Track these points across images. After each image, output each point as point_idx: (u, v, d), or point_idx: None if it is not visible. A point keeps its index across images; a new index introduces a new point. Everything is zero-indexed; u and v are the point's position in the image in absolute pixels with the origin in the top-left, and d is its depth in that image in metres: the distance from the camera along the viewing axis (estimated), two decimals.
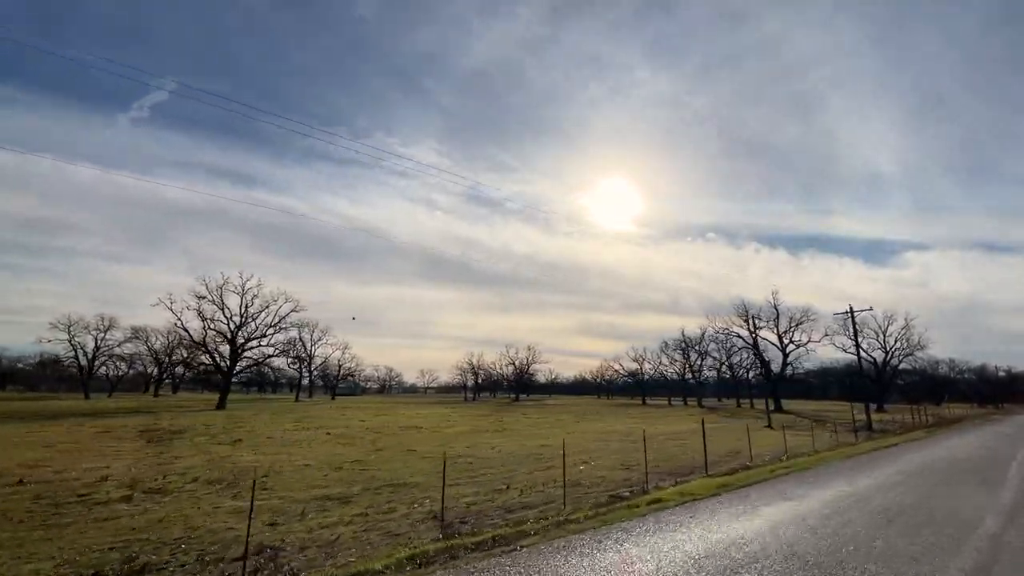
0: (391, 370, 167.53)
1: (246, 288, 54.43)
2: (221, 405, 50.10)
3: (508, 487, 12.24)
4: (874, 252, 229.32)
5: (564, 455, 10.97)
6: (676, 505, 8.71)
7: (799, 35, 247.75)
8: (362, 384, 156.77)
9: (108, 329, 77.14)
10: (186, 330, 53.68)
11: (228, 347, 54.26)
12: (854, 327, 34.69)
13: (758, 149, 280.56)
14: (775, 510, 8.39)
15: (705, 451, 14.08)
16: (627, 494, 10.66)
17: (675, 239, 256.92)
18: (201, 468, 14.07)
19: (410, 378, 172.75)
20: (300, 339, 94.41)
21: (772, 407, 60.19)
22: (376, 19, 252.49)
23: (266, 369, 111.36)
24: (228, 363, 54.12)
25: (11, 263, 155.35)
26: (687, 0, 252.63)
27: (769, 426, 36.15)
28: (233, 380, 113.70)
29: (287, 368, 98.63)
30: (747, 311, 60.09)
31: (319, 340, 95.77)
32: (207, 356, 56.29)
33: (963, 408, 65.09)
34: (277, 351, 59.19)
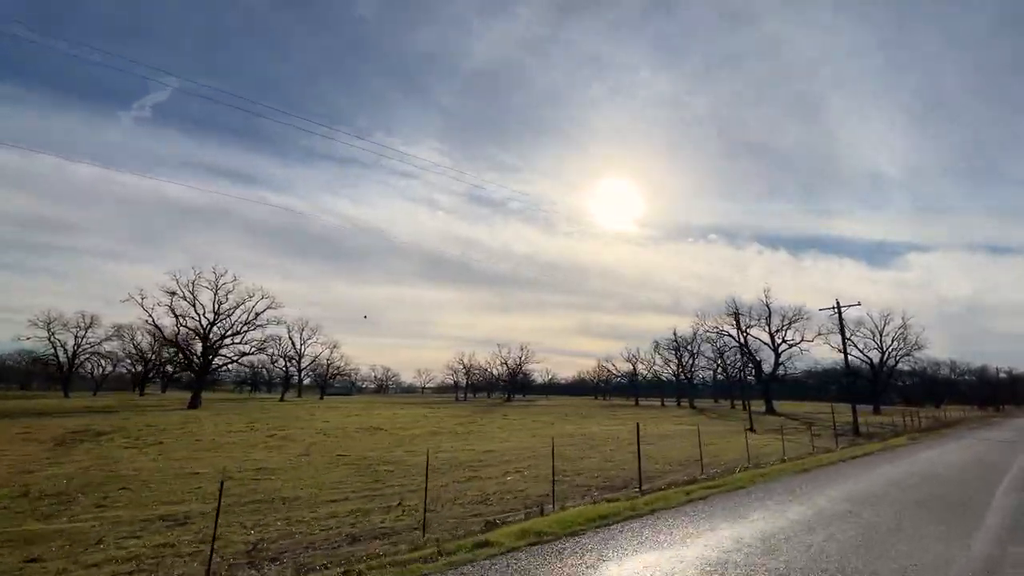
0: (387, 370, 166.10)
1: (219, 284, 52.84)
2: (193, 404, 48.49)
3: (400, 503, 10.52)
4: (876, 253, 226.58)
5: (427, 468, 9.02)
6: (500, 554, 6.38)
7: (800, 36, 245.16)
8: (359, 384, 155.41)
9: (89, 327, 75.76)
10: (157, 327, 52.23)
11: (201, 344, 52.76)
12: (841, 323, 32.76)
13: (759, 150, 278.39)
14: (621, 570, 5.96)
15: (639, 463, 12.26)
16: (521, 517, 8.90)
17: (676, 239, 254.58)
18: (66, 476, 12.40)
19: (408, 378, 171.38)
20: (290, 337, 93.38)
21: (764, 408, 58.30)
22: (376, 19, 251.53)
23: (260, 368, 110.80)
24: (200, 361, 52.57)
25: (12, 262, 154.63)
26: (687, 0, 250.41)
27: (751, 429, 34.30)
28: (228, 380, 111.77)
29: (271, 367, 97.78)
30: (737, 309, 58.07)
31: (309, 339, 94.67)
32: (180, 354, 54.83)
33: (961, 410, 62.91)
34: (253, 349, 57.48)
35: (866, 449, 19.63)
